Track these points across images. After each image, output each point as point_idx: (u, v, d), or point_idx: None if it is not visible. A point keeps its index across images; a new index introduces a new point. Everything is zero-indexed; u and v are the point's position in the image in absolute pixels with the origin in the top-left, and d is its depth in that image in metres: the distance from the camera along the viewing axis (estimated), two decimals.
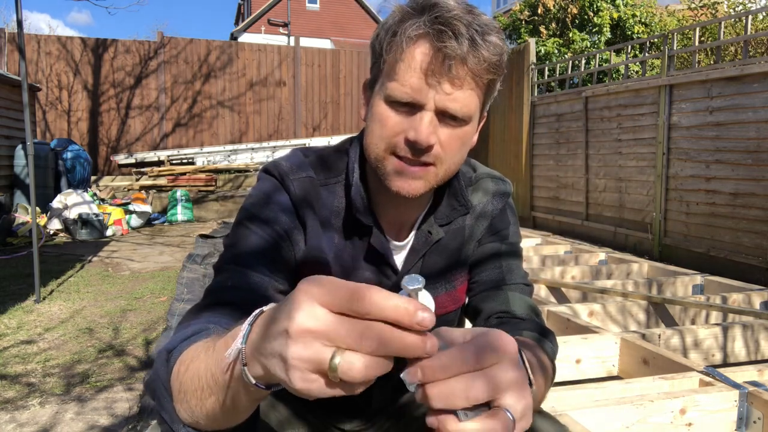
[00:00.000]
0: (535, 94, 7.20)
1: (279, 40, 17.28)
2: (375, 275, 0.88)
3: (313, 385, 0.39)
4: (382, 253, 0.86)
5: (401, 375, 0.43)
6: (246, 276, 0.77)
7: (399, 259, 0.89)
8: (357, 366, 0.38)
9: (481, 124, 0.87)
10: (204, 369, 0.51)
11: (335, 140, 9.66)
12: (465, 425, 0.42)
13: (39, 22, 57.58)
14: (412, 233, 0.89)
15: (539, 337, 0.85)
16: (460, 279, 0.95)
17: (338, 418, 0.99)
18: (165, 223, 7.35)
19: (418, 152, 0.75)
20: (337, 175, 0.87)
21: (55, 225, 6.09)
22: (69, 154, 7.37)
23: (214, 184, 8.44)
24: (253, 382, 0.45)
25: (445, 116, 0.75)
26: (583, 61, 6.54)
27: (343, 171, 0.88)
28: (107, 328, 3.05)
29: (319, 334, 0.38)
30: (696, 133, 4.71)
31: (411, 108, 0.75)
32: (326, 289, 0.40)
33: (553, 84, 7.01)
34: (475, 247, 0.95)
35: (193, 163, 9.11)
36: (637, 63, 6.91)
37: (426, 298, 0.43)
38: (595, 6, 8.00)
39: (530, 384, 0.65)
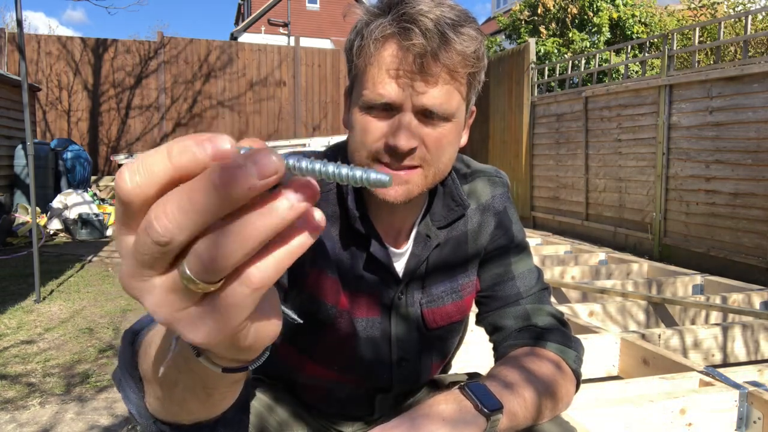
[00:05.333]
0: (535, 94, 7.20)
1: (279, 40, 17.28)
2: (376, 284, 0.85)
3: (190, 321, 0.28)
4: (382, 262, 0.83)
5: None
6: None
7: (399, 266, 0.86)
8: (202, 252, 0.26)
9: (470, 121, 0.85)
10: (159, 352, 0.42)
11: (335, 140, 9.66)
12: None
13: (35, 21, 57.56)
14: (411, 238, 0.87)
15: (562, 348, 0.84)
16: (468, 289, 0.92)
17: (338, 422, 0.98)
18: None
19: (399, 156, 0.73)
20: (329, 183, 0.85)
21: (55, 225, 6.09)
22: (69, 154, 7.37)
23: None
24: (219, 369, 0.35)
25: (425, 115, 0.73)
26: (583, 61, 6.54)
27: None
28: (107, 328, 3.05)
29: (135, 269, 0.28)
30: (696, 133, 4.71)
31: (389, 111, 0.73)
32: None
33: (553, 84, 7.01)
34: (482, 250, 0.92)
35: None
36: (637, 63, 6.91)
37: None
38: (594, 6, 7.99)
39: (487, 408, 0.68)
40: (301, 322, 0.77)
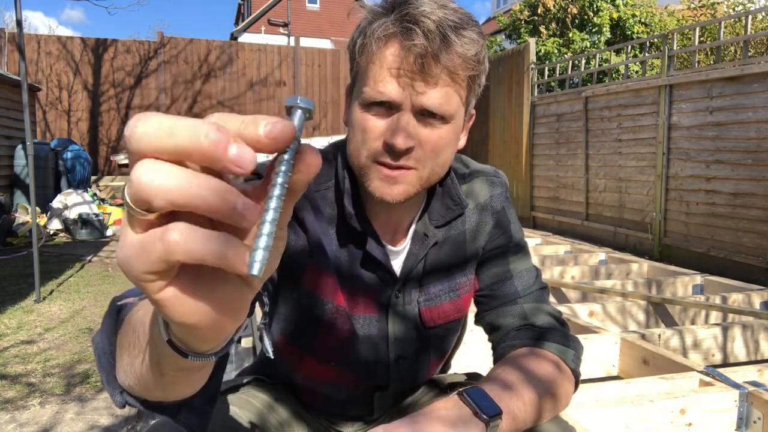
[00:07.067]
0: (535, 94, 7.20)
1: (279, 40, 17.27)
2: (374, 282, 0.86)
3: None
4: (379, 260, 0.84)
5: None
6: None
7: (397, 264, 0.87)
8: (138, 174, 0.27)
9: (469, 124, 0.85)
10: (136, 318, 0.44)
11: (335, 140, 9.65)
12: None
13: (34, 20, 57.47)
14: (408, 237, 0.87)
15: (561, 348, 0.84)
16: (465, 288, 0.92)
17: (339, 422, 0.99)
18: None
19: (397, 155, 0.74)
20: (327, 181, 0.85)
21: (55, 225, 6.09)
22: (69, 154, 7.37)
23: None
24: (166, 337, 0.37)
25: (424, 115, 0.74)
26: (583, 61, 6.54)
27: (333, 177, 0.86)
28: None
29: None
30: (696, 133, 4.71)
31: (388, 109, 0.74)
32: None
33: (553, 84, 7.01)
34: (480, 249, 0.92)
35: None
36: (637, 63, 6.91)
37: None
38: (595, 6, 7.99)
39: (486, 414, 0.68)
40: (272, 357, 0.77)
